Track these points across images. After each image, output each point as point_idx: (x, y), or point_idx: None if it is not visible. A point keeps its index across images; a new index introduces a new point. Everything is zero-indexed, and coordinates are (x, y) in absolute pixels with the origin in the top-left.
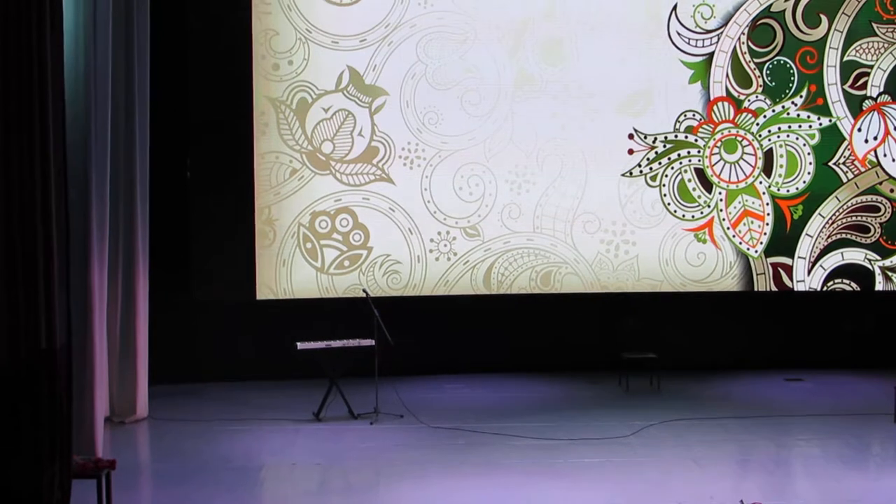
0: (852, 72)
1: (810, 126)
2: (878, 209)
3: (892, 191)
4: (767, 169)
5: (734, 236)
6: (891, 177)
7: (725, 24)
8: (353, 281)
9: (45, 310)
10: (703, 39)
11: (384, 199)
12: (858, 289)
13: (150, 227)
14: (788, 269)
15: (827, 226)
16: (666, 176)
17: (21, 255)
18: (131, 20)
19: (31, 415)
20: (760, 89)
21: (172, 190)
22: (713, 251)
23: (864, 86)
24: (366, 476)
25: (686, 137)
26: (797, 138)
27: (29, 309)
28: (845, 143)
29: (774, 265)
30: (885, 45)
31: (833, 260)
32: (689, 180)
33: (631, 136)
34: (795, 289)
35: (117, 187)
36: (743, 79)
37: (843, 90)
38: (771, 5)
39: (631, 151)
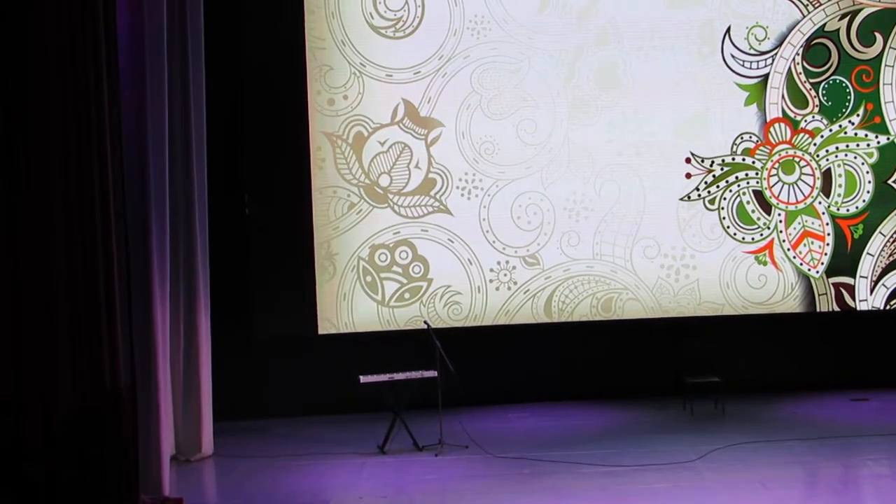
0: None
1: (868, 144)
2: None
3: None
4: (826, 189)
5: (795, 257)
6: None
7: (779, 45)
8: (415, 313)
9: (108, 350)
10: (758, 61)
11: (443, 230)
12: None
13: (210, 264)
14: (850, 289)
15: (888, 244)
16: (724, 199)
17: (83, 297)
18: (186, 62)
19: (98, 456)
20: (817, 109)
21: (231, 227)
22: (774, 273)
23: None
24: None
25: (743, 160)
26: (855, 157)
27: (92, 350)
28: None
29: (836, 285)
30: None
31: (895, 278)
32: (748, 203)
33: (688, 160)
34: (858, 308)
35: (177, 225)
36: (799, 99)
37: None
38: (825, 25)
39: (688, 175)
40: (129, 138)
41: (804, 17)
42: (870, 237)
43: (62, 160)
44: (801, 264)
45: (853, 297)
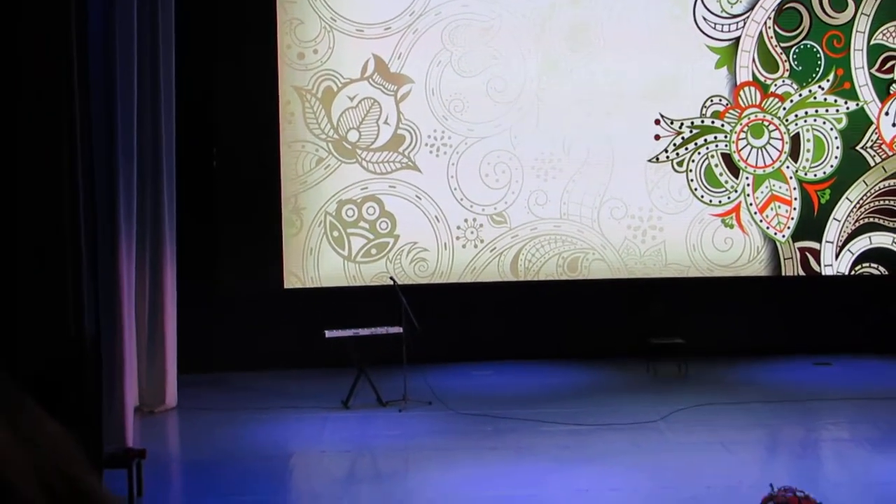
0: (879, 55)
1: (837, 110)
2: None
3: None
4: (794, 153)
5: (761, 221)
6: None
7: (751, 9)
8: (381, 269)
9: (73, 301)
10: (730, 24)
11: (410, 186)
12: (886, 272)
13: (177, 216)
14: (816, 254)
15: (854, 210)
16: (693, 161)
17: (48, 246)
18: (156, 12)
19: (61, 406)
20: (787, 74)
21: (199, 180)
22: (740, 236)
23: (891, 69)
24: (394, 463)
25: (713, 122)
26: (824, 122)
27: (57, 300)
28: (872, 127)
29: (802, 250)
30: None
31: (861, 244)
32: (716, 165)
33: (657, 122)
34: (823, 273)
35: (144, 177)
36: (769, 63)
37: (871, 74)
38: None
39: (657, 137)
40: (97, 87)
41: None
42: (836, 202)
43: (28, 102)
44: (768, 228)
45: (818, 262)
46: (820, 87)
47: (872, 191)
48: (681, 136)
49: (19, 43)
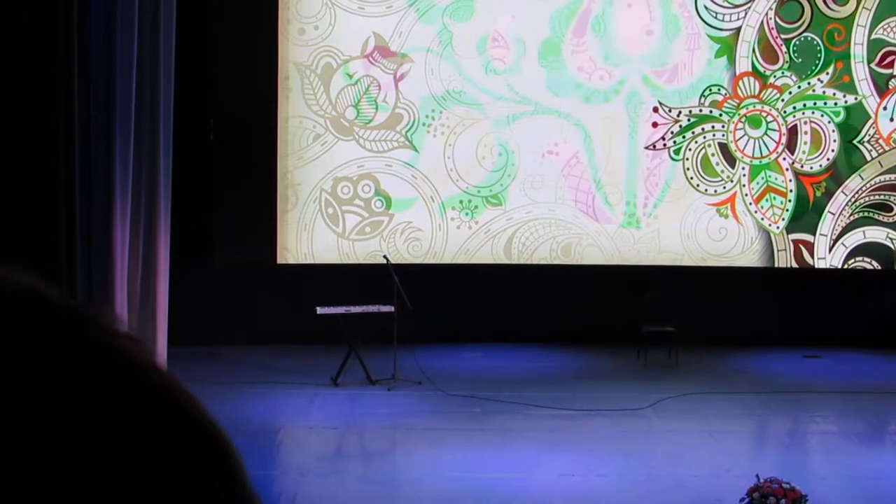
0: (879, 50)
1: (835, 103)
2: None
3: None
4: (791, 145)
5: (756, 212)
6: None
7: None
8: (374, 247)
9: (66, 270)
10: (731, 14)
11: (407, 166)
12: (879, 267)
13: (173, 188)
14: (810, 246)
15: (849, 203)
16: (689, 150)
17: (43, 217)
18: None
19: None
20: (787, 65)
21: (195, 152)
22: (735, 226)
23: (890, 64)
24: (382, 441)
25: (710, 112)
26: (822, 115)
27: (50, 269)
28: (870, 122)
29: (796, 242)
30: None
31: (855, 238)
32: (713, 155)
33: (655, 109)
34: (816, 266)
35: (140, 149)
36: (769, 54)
37: (870, 68)
38: None
39: (655, 124)
40: (95, 57)
41: None
42: (832, 195)
43: (24, 72)
44: (763, 219)
45: (812, 255)
46: (819, 79)
47: (868, 185)
48: (678, 124)
49: (16, 5)
